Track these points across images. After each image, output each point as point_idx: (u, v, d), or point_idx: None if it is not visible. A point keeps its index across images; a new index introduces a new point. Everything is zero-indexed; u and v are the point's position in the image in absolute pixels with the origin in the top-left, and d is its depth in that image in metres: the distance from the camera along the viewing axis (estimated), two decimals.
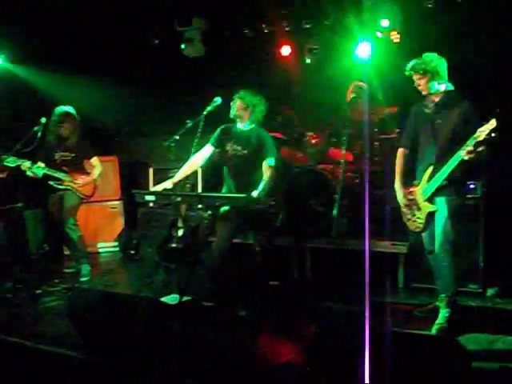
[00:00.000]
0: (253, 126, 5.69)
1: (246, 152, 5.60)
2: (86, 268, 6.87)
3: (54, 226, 7.18)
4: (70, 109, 6.92)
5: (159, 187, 5.62)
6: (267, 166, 5.53)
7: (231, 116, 5.66)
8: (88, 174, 7.06)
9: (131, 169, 8.98)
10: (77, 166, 6.98)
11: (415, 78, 4.89)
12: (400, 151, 5.28)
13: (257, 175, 5.60)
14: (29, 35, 7.92)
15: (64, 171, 6.82)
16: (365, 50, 7.55)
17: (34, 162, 6.57)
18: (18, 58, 8.20)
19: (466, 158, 4.57)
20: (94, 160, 7.15)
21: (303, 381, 3.92)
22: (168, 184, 5.63)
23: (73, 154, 6.92)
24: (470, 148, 4.51)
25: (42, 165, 6.63)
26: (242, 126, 5.69)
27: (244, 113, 5.61)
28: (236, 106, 5.60)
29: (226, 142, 5.73)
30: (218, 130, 5.78)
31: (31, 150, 6.47)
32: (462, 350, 3.53)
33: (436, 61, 4.83)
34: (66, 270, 7.19)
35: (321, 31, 7.98)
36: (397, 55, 7.34)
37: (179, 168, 6.91)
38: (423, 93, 4.93)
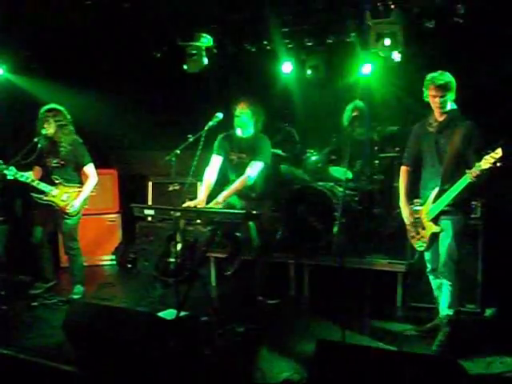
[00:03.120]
0: (253, 132, 5.88)
1: (248, 159, 5.81)
2: (78, 288, 6.55)
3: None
4: (55, 105, 6.40)
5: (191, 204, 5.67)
6: (251, 166, 5.75)
7: (238, 124, 5.79)
8: (81, 186, 6.47)
9: (130, 182, 8.95)
10: (68, 177, 6.42)
11: (434, 93, 4.81)
12: (403, 169, 5.29)
13: (258, 179, 5.84)
14: (31, 46, 7.95)
15: (53, 182, 6.33)
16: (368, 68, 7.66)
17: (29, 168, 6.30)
18: (20, 69, 8.21)
19: (473, 180, 4.58)
20: (87, 168, 6.49)
21: None
22: (197, 203, 5.70)
23: (62, 162, 6.36)
24: (477, 172, 4.51)
25: (28, 173, 6.24)
26: (242, 133, 5.85)
27: (251, 122, 5.76)
28: (246, 115, 5.75)
29: (229, 150, 5.92)
30: (219, 138, 5.95)
31: (31, 161, 6.33)
32: (459, 370, 3.50)
33: (453, 78, 4.81)
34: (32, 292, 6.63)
35: (322, 49, 8.00)
36: (397, 74, 7.38)
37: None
38: (439, 110, 4.87)
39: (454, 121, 4.87)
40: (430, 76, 4.85)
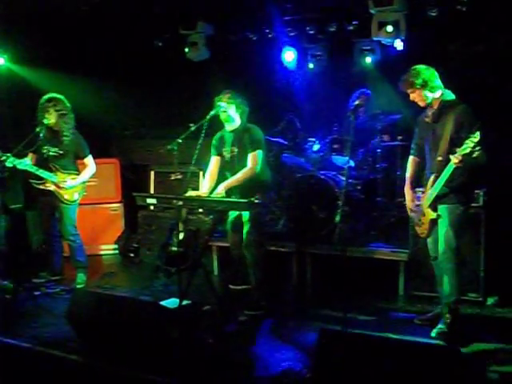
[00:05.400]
0: (240, 123, 5.80)
1: (239, 150, 5.73)
2: (81, 277, 6.63)
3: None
4: (54, 94, 6.40)
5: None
6: (250, 158, 5.65)
7: (224, 120, 5.76)
8: (79, 173, 6.54)
9: (132, 171, 8.96)
10: (67, 165, 6.46)
11: (408, 92, 4.97)
12: (411, 159, 5.34)
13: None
14: (32, 36, 7.91)
15: (50, 169, 6.37)
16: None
17: (24, 155, 6.30)
18: (21, 59, 8.19)
19: (458, 165, 4.58)
20: (87, 160, 6.58)
21: None
22: (200, 194, 5.65)
23: (61, 152, 6.39)
24: (459, 158, 4.51)
25: (27, 159, 6.28)
26: (231, 127, 5.80)
27: (236, 115, 5.73)
28: (230, 110, 5.68)
29: (221, 148, 5.88)
30: (213, 140, 5.92)
31: (33, 150, 6.34)
32: (462, 359, 3.52)
33: (423, 72, 4.88)
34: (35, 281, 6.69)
35: (324, 37, 7.98)
36: (400, 62, 7.35)
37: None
38: (420, 104, 4.99)
39: (446, 108, 4.90)
40: (401, 77, 5.00)
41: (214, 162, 5.93)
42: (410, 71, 4.92)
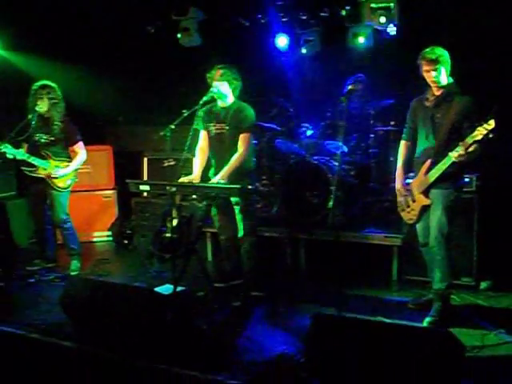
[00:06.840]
0: (233, 100, 5.67)
1: (228, 128, 5.59)
2: (75, 264, 6.65)
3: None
4: (48, 82, 6.38)
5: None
6: (241, 140, 5.53)
7: (216, 96, 5.59)
8: (71, 160, 6.56)
9: (125, 158, 8.92)
10: (58, 152, 6.47)
11: (426, 68, 4.81)
12: (403, 143, 5.30)
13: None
14: (24, 23, 7.86)
15: (42, 156, 6.37)
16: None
17: (16, 143, 6.27)
18: (13, 46, 8.13)
19: (456, 160, 4.59)
20: (77, 147, 6.56)
21: (297, 371, 3.93)
22: (192, 179, 5.61)
23: (52, 138, 6.38)
24: (461, 152, 4.52)
25: (22, 150, 6.27)
26: (223, 104, 5.66)
27: (229, 91, 5.60)
28: (222, 86, 5.53)
29: (209, 122, 5.73)
30: (201, 112, 5.72)
31: (25, 138, 6.31)
32: (455, 342, 3.54)
33: (445, 52, 4.80)
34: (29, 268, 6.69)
35: (317, 23, 7.94)
36: (394, 48, 7.34)
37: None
38: (432, 84, 4.88)
39: (450, 95, 4.85)
40: (421, 52, 4.85)
41: (204, 137, 5.81)
42: (435, 48, 4.78)
